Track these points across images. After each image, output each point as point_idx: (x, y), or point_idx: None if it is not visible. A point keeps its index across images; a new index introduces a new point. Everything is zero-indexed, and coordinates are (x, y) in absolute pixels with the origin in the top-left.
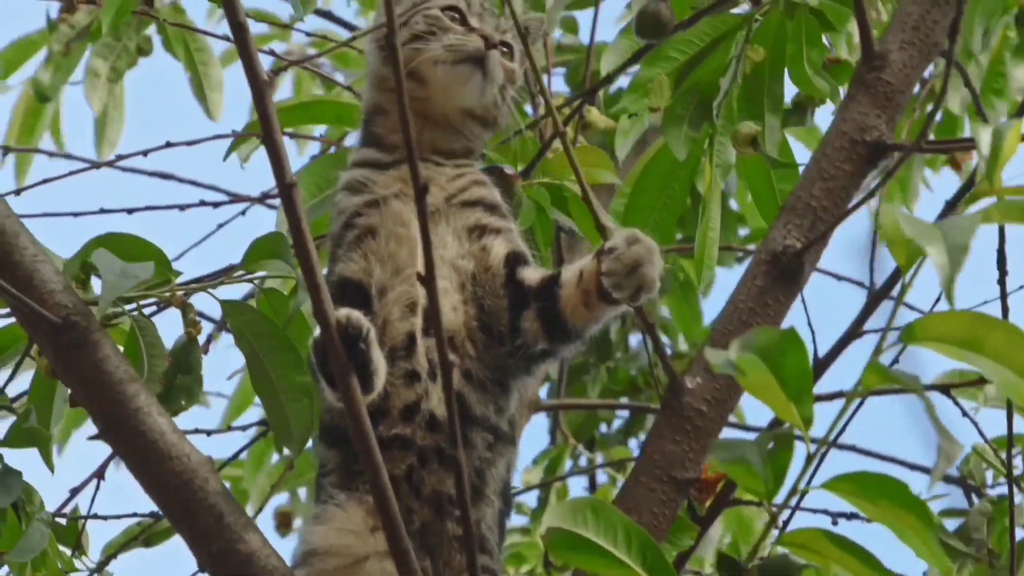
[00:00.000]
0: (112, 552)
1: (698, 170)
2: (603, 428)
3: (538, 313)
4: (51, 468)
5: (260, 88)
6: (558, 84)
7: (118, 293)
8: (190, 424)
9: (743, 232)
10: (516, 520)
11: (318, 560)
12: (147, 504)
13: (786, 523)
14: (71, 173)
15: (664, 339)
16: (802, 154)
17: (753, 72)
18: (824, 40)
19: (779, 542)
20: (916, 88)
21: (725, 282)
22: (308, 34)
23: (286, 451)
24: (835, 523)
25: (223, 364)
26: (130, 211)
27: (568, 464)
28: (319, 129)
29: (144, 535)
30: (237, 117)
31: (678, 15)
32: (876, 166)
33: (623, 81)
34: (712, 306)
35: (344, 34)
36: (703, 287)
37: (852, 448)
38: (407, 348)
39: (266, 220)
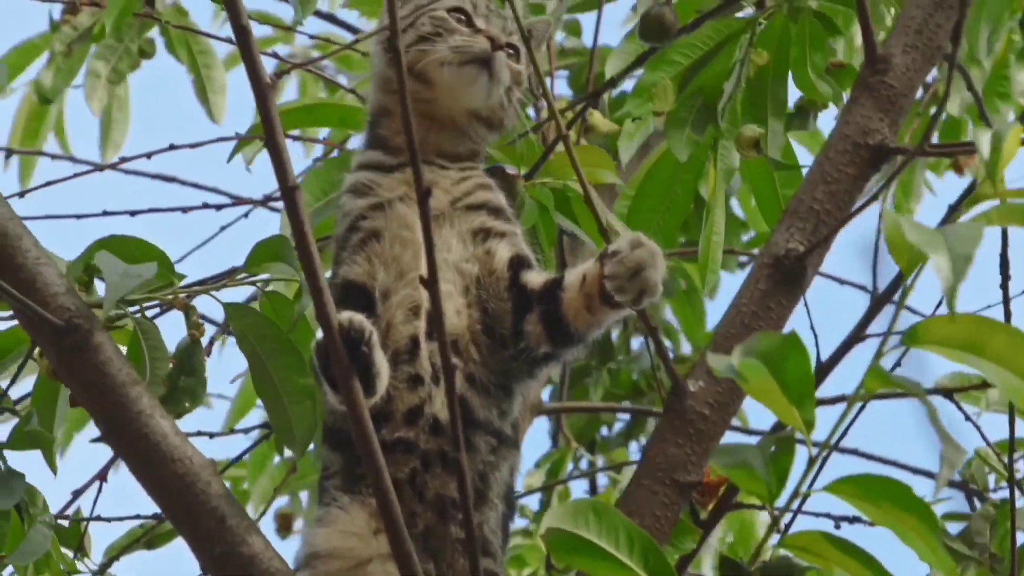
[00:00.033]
0: (114, 554)
1: (702, 174)
2: (604, 431)
3: (541, 316)
4: (54, 470)
5: (262, 91)
6: (561, 87)
7: (121, 293)
8: (193, 427)
9: (745, 237)
10: (517, 523)
11: (321, 563)
12: (149, 506)
13: (788, 526)
14: (75, 175)
15: (666, 343)
16: (805, 158)
17: (756, 76)
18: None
19: (781, 545)
20: (920, 92)
21: (728, 286)
22: (311, 36)
23: (287, 453)
24: (838, 527)
25: (226, 367)
26: (133, 213)
27: (571, 467)
28: (323, 132)
29: (146, 537)
30: (240, 120)
31: (683, 19)
32: (879, 169)
33: (627, 85)
34: (715, 309)
35: (347, 37)
36: (708, 290)
37: (855, 452)
38: (410, 352)
39: (269, 222)
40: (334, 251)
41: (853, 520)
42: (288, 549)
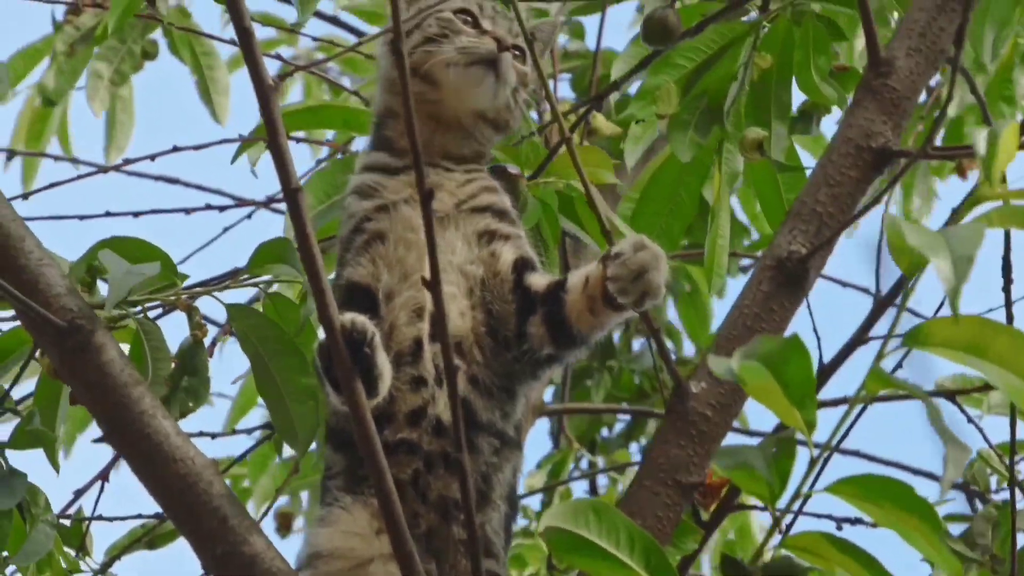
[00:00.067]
0: (115, 554)
1: (706, 178)
2: (604, 432)
3: (544, 318)
4: (56, 468)
5: (265, 93)
6: (564, 90)
7: (125, 290)
8: (195, 426)
9: (746, 242)
10: (518, 522)
11: (322, 563)
12: (151, 506)
13: (789, 527)
14: (78, 177)
15: (668, 344)
16: (808, 161)
17: (760, 79)
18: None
19: (782, 545)
20: (924, 96)
21: (730, 289)
22: (315, 39)
23: (287, 452)
24: (839, 528)
25: (227, 366)
26: (136, 214)
27: (574, 469)
28: (329, 134)
29: (147, 537)
30: (245, 121)
31: (688, 23)
32: (882, 172)
33: (632, 88)
34: (720, 310)
35: (351, 39)
36: (715, 292)
37: (856, 453)
38: (414, 353)
39: (272, 224)
40: (338, 252)
41: (855, 522)
42: (288, 548)
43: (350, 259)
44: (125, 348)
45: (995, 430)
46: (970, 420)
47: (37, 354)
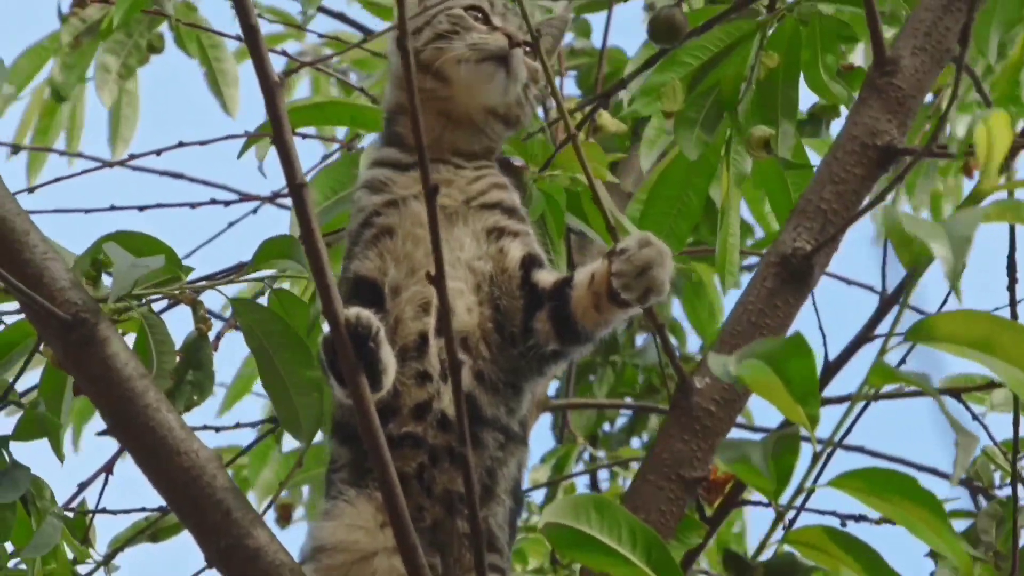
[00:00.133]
0: (119, 546)
1: (713, 178)
2: (606, 427)
3: (550, 314)
4: (60, 458)
5: (271, 89)
6: (570, 87)
7: (129, 283)
8: (198, 419)
9: (750, 241)
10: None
11: (326, 556)
12: (155, 499)
13: (792, 522)
14: (83, 172)
15: (672, 340)
16: (816, 162)
17: (767, 78)
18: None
19: (785, 540)
20: (930, 96)
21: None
22: (320, 35)
23: (287, 447)
24: (843, 525)
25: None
26: (141, 208)
27: (578, 464)
28: (341, 131)
29: (151, 530)
30: (253, 113)
31: (697, 24)
32: (887, 170)
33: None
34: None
35: (358, 36)
36: (728, 290)
37: (860, 449)
38: (419, 348)
39: (277, 219)
40: (346, 245)
41: (859, 518)
42: (288, 539)
43: (358, 252)
44: (130, 341)
45: (998, 427)
46: (975, 417)
47: (41, 347)
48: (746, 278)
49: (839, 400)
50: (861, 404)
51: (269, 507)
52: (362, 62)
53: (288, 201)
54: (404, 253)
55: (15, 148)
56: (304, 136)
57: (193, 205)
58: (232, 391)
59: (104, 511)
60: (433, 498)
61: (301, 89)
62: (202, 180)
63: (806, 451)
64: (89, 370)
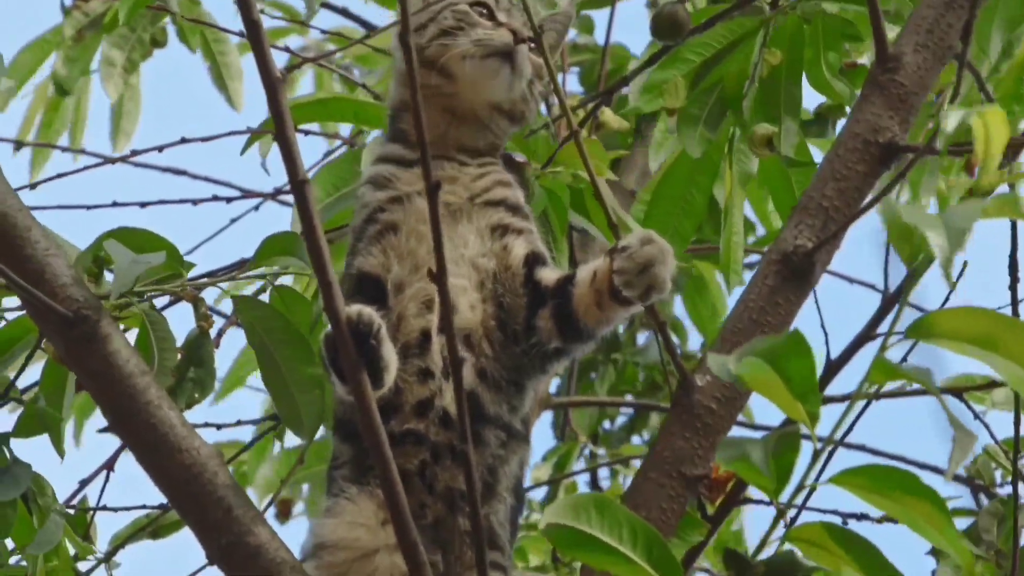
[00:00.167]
0: (119, 543)
1: (717, 177)
2: (607, 425)
3: (552, 311)
4: (61, 453)
5: (273, 85)
6: (572, 84)
7: (130, 280)
8: (199, 416)
9: (751, 239)
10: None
11: (327, 553)
12: (156, 496)
13: (793, 520)
14: (85, 168)
15: (674, 338)
16: (819, 158)
17: (770, 75)
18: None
19: (786, 538)
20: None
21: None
22: (323, 31)
23: (288, 444)
24: (845, 524)
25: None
26: (143, 205)
27: (579, 462)
28: (342, 127)
29: (152, 527)
30: (258, 106)
31: (699, 23)
32: (889, 167)
33: None
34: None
35: (361, 31)
36: (732, 288)
37: (862, 448)
38: (421, 345)
39: (279, 216)
40: (350, 241)
41: (861, 517)
42: (287, 534)
43: (361, 248)
44: (131, 338)
45: (999, 426)
46: (976, 416)
47: (43, 343)
48: (747, 275)
49: (841, 399)
50: (863, 402)
51: (270, 505)
52: (365, 58)
53: (290, 198)
54: (408, 250)
55: (18, 144)
56: (306, 133)
57: (195, 202)
58: (226, 383)
59: (105, 508)
60: (435, 495)
61: (304, 84)
62: (204, 176)
63: (808, 449)
64: (90, 367)
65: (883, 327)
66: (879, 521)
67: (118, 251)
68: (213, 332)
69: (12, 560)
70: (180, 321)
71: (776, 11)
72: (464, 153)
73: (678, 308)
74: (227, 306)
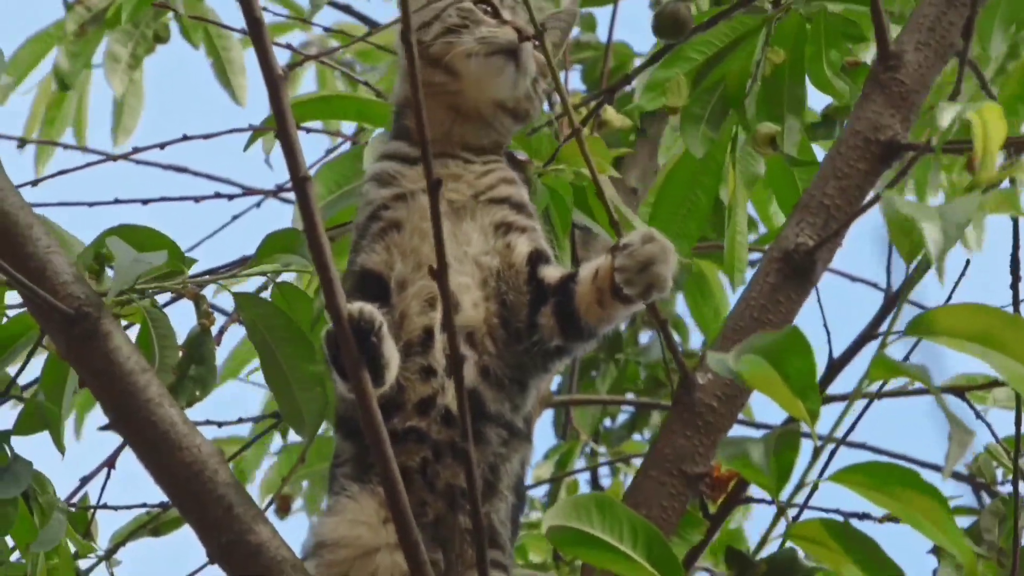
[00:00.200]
0: (120, 540)
1: (721, 175)
2: (607, 423)
3: (554, 309)
4: (61, 449)
5: (275, 83)
6: (575, 82)
7: (130, 279)
8: (200, 414)
9: (753, 237)
10: None
11: (328, 551)
12: (157, 494)
13: (795, 520)
14: (87, 165)
15: (675, 336)
16: (823, 157)
17: (773, 74)
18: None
19: (786, 535)
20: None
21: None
22: (326, 29)
23: (293, 438)
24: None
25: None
26: (145, 202)
27: (581, 460)
28: (344, 125)
29: (152, 524)
30: (262, 102)
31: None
32: (890, 165)
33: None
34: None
35: (363, 28)
36: (736, 287)
37: (863, 446)
38: (424, 343)
39: (281, 213)
40: (353, 238)
41: (863, 516)
42: (287, 529)
43: (365, 246)
44: (133, 335)
45: (1000, 424)
46: (978, 416)
47: (45, 340)
48: (748, 273)
49: (843, 398)
50: (865, 400)
51: (271, 504)
52: (366, 54)
53: (292, 195)
54: (411, 247)
55: (21, 142)
56: (309, 130)
57: (197, 199)
58: (221, 376)
59: (106, 507)
60: (436, 493)
61: (306, 80)
62: (206, 174)
63: (809, 448)
64: (91, 364)
65: (885, 326)
66: (881, 521)
67: (120, 249)
68: (214, 330)
69: (11, 558)
70: (181, 319)
71: (778, 9)
72: (468, 151)
73: (680, 307)
74: (225, 300)
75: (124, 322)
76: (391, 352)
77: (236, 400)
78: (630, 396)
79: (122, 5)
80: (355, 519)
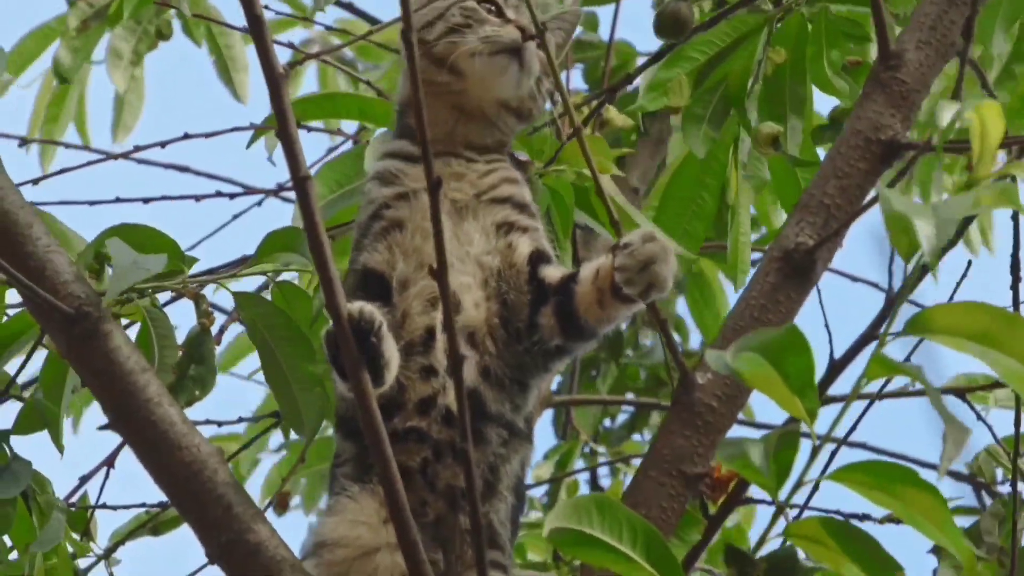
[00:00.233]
0: (119, 540)
1: (725, 176)
2: (607, 423)
3: (555, 309)
4: (60, 448)
5: (276, 81)
6: (576, 81)
7: (127, 283)
8: (200, 413)
9: (754, 236)
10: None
11: (327, 551)
12: (156, 493)
13: (795, 519)
14: (88, 164)
15: (675, 336)
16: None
17: (775, 74)
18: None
19: (785, 533)
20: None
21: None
22: (327, 27)
23: (292, 438)
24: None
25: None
26: (146, 201)
27: (581, 460)
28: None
29: (152, 523)
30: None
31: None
32: (890, 165)
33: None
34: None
35: (365, 26)
36: (739, 287)
37: (863, 446)
38: (425, 343)
39: (282, 212)
40: (355, 237)
41: (863, 517)
42: (284, 526)
43: (367, 245)
44: (132, 334)
45: (1000, 424)
46: (980, 417)
47: (45, 339)
48: (749, 273)
49: (843, 399)
50: (865, 401)
51: (270, 504)
52: (368, 51)
53: (293, 194)
54: (413, 247)
55: (23, 141)
56: (310, 129)
57: (198, 198)
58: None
59: (105, 506)
60: (436, 493)
61: (308, 77)
62: (207, 173)
63: (808, 448)
64: (91, 364)
65: (886, 326)
66: (881, 521)
67: (120, 250)
68: (214, 329)
69: (10, 557)
70: (181, 318)
71: (779, 9)
72: (472, 150)
73: (681, 307)
74: (226, 299)
75: (124, 321)
76: (391, 352)
77: (237, 399)
78: (630, 396)
79: (124, 1)
80: (355, 519)
